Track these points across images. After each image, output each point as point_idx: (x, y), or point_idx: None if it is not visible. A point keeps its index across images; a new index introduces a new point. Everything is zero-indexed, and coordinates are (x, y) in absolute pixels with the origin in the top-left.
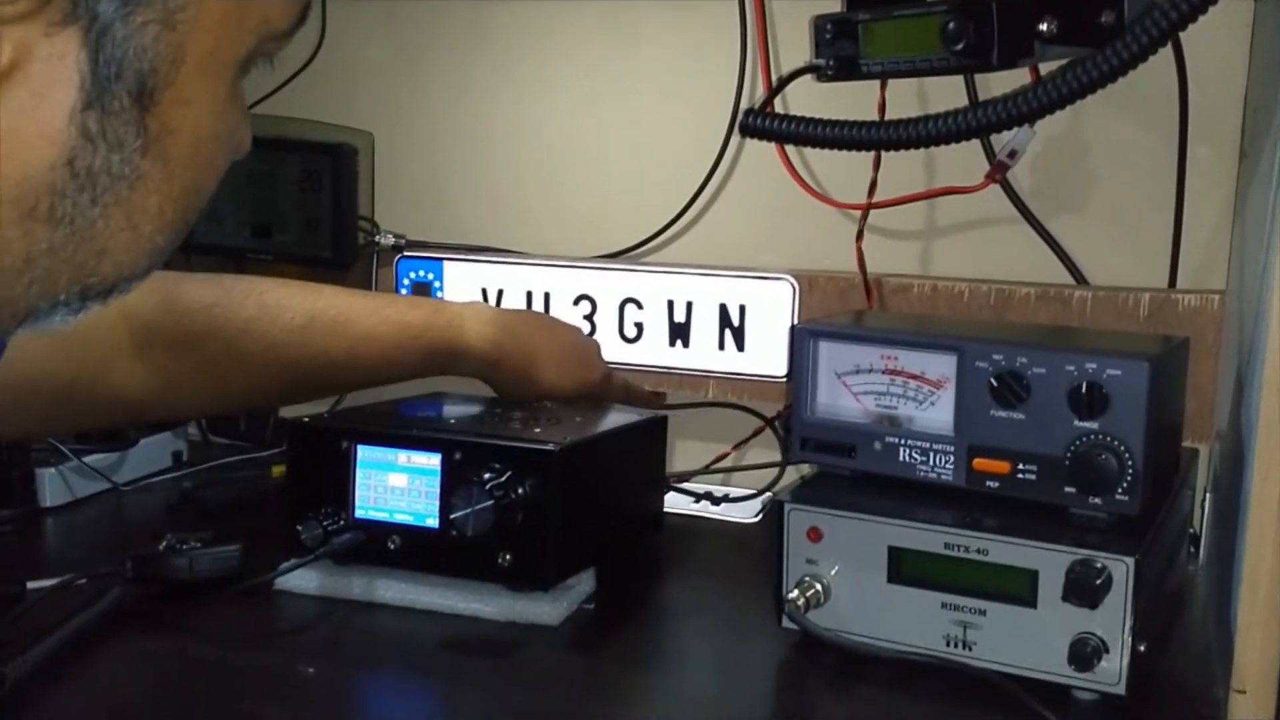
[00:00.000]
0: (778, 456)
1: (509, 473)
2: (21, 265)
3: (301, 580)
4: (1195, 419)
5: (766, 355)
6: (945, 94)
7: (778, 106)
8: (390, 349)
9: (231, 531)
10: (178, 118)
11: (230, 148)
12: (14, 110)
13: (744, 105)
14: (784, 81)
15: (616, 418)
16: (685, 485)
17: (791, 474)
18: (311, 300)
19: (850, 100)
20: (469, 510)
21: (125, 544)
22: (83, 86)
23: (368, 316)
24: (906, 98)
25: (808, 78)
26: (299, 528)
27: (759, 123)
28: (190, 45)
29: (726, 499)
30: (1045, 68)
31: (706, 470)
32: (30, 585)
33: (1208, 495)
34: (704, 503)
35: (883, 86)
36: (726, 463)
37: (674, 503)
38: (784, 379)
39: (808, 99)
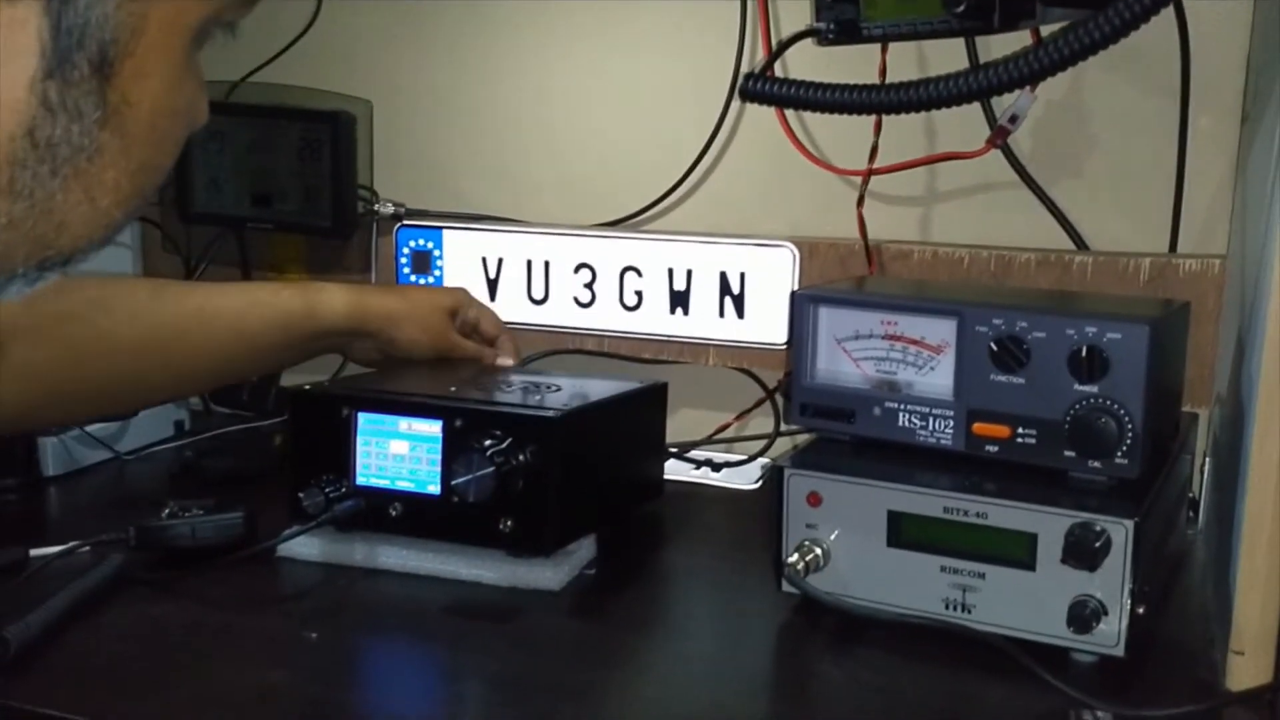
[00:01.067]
0: (778, 423)
1: (510, 439)
2: None
3: (304, 547)
4: (1195, 384)
5: (767, 322)
6: (945, 59)
7: (777, 72)
8: (255, 336)
9: (234, 500)
10: (137, 91)
11: (187, 122)
12: None
13: (744, 71)
14: (784, 46)
15: (616, 385)
16: (685, 453)
17: (786, 444)
18: (180, 302)
19: (850, 65)
20: (470, 477)
21: (128, 512)
22: (43, 55)
23: (233, 314)
24: (906, 62)
25: (807, 42)
26: (301, 495)
27: (759, 87)
28: (151, 14)
29: (727, 465)
30: (1046, 30)
31: (709, 441)
32: (33, 553)
33: (1207, 460)
34: (704, 470)
35: (883, 50)
36: (729, 433)
37: (674, 470)
38: (784, 346)
39: (807, 64)
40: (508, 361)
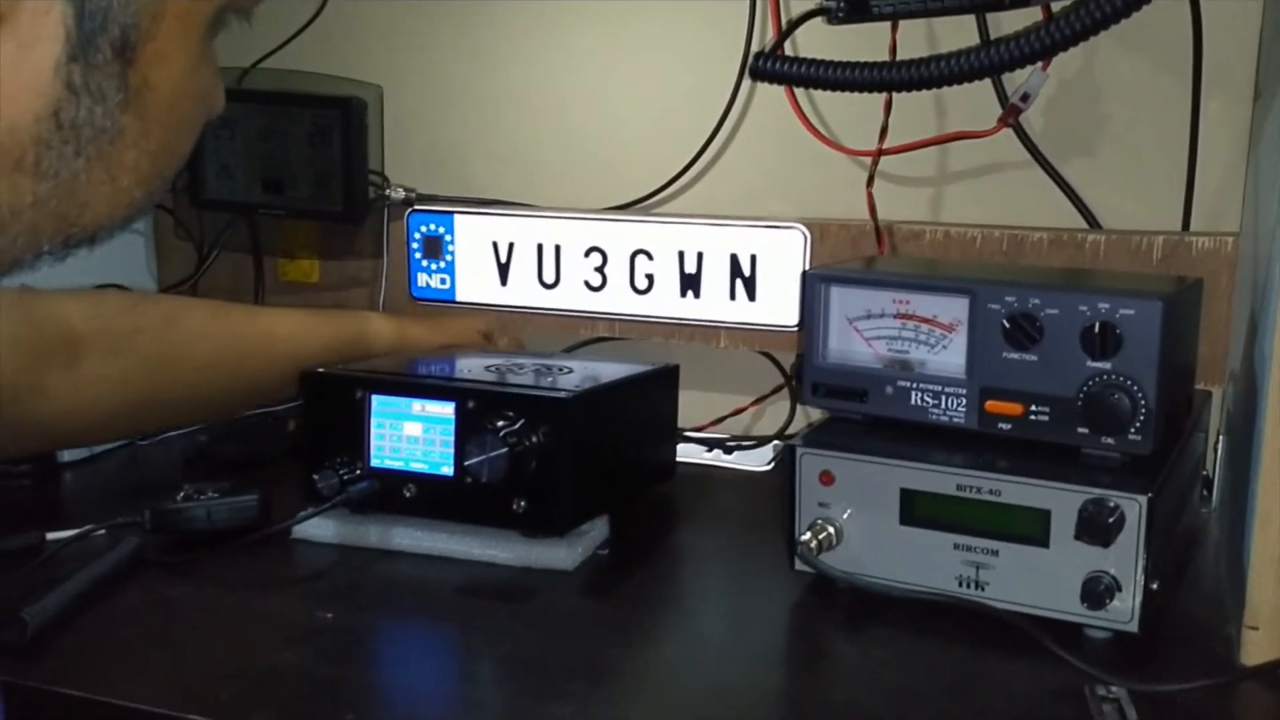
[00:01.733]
0: (794, 407)
1: (522, 420)
2: (8, 218)
3: (318, 529)
4: (1208, 362)
5: (778, 305)
6: (956, 39)
7: (786, 52)
8: (309, 359)
9: (248, 484)
10: (157, 74)
11: (204, 107)
12: (1, 63)
13: (753, 52)
14: (793, 25)
15: (628, 367)
16: (696, 435)
17: (802, 425)
18: (243, 325)
19: (859, 46)
20: (483, 458)
21: (143, 496)
22: (68, 39)
23: (292, 339)
24: (916, 41)
25: (816, 21)
26: (315, 477)
27: (769, 65)
28: (170, 0)
29: (738, 447)
30: (1057, 6)
31: (716, 423)
32: (49, 536)
33: (1221, 437)
34: (716, 452)
35: (893, 29)
36: (743, 417)
37: (686, 452)
38: (795, 328)
39: (816, 44)
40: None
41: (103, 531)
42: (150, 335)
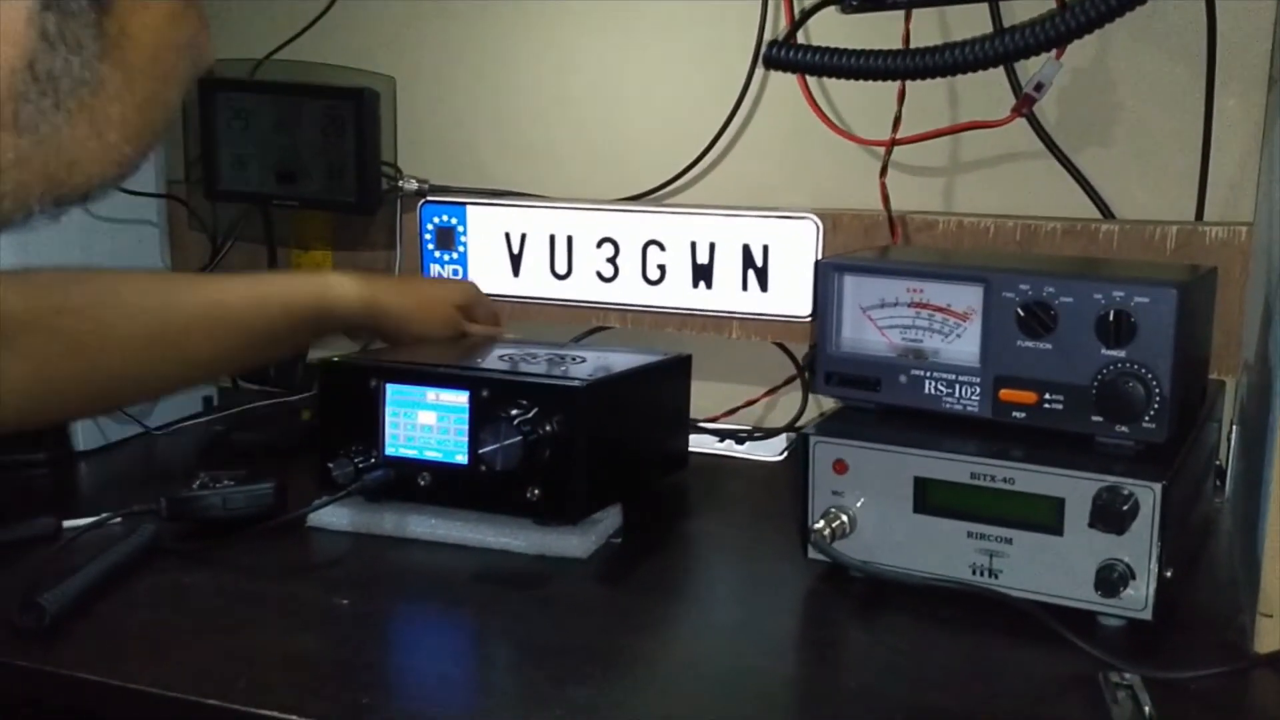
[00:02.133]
0: (806, 398)
1: (536, 409)
2: None
3: (334, 517)
4: (1222, 352)
5: (790, 295)
6: (969, 29)
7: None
8: (262, 331)
9: (263, 472)
10: (135, 23)
11: (191, 58)
12: None
13: (765, 41)
14: (806, 14)
15: (641, 357)
16: (709, 425)
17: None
18: (186, 295)
19: (872, 36)
20: (497, 446)
21: (159, 484)
22: None
23: (242, 308)
24: (929, 31)
25: (829, 12)
26: (330, 465)
27: (784, 54)
28: None
29: (751, 438)
30: None
31: (728, 414)
32: (66, 524)
33: (1234, 428)
34: (728, 442)
35: (907, 19)
36: (754, 409)
37: (698, 443)
38: (808, 319)
39: (828, 35)
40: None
41: (119, 519)
42: (82, 314)
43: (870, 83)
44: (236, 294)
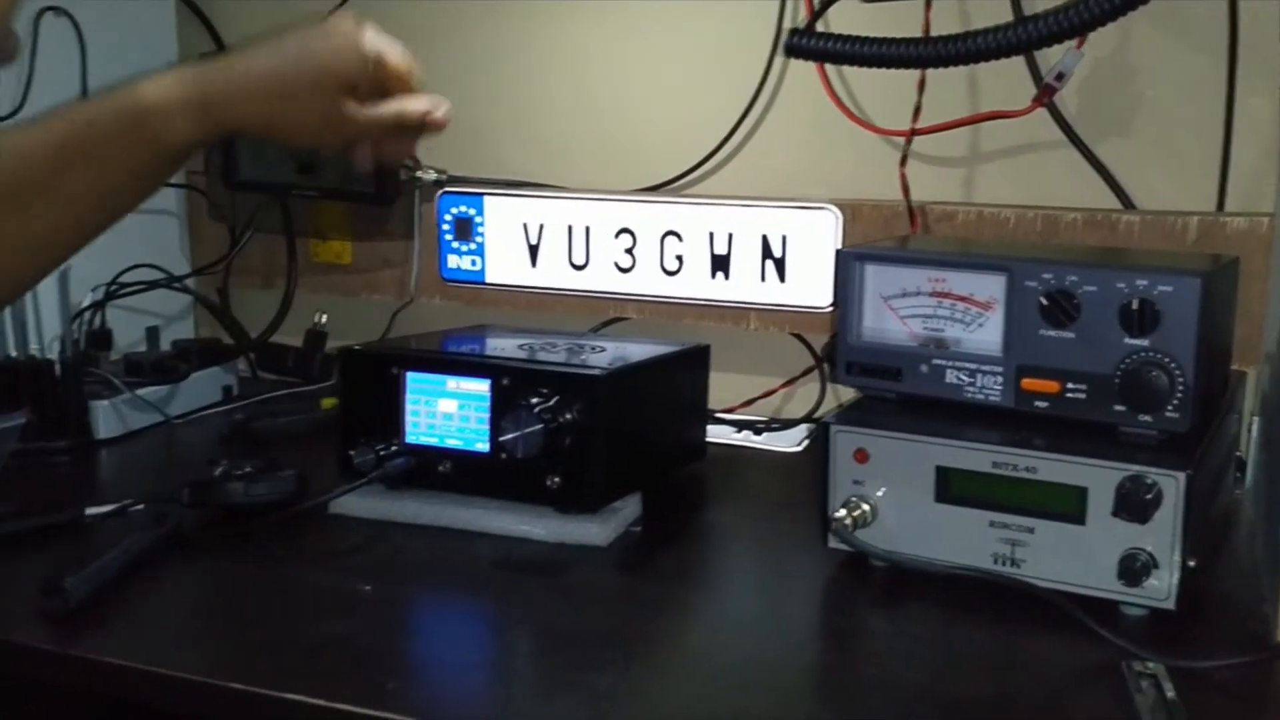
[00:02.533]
0: (824, 389)
1: (556, 397)
2: None
3: (355, 504)
4: (1243, 342)
5: (809, 286)
6: (988, 18)
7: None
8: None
9: (284, 461)
10: None
11: None
12: None
13: (786, 31)
14: (826, 4)
15: (659, 347)
16: (727, 416)
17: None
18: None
19: (890, 26)
20: (518, 434)
21: (180, 472)
22: None
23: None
24: (949, 21)
25: (848, 2)
26: (351, 453)
27: (804, 42)
28: None
29: (769, 429)
30: None
31: (746, 404)
32: (88, 512)
33: (1255, 419)
34: (746, 433)
35: (927, 7)
36: (772, 399)
37: (716, 433)
38: (827, 310)
39: (848, 25)
40: (438, 115)
41: (141, 506)
42: None
43: (890, 72)
44: (11, 140)
